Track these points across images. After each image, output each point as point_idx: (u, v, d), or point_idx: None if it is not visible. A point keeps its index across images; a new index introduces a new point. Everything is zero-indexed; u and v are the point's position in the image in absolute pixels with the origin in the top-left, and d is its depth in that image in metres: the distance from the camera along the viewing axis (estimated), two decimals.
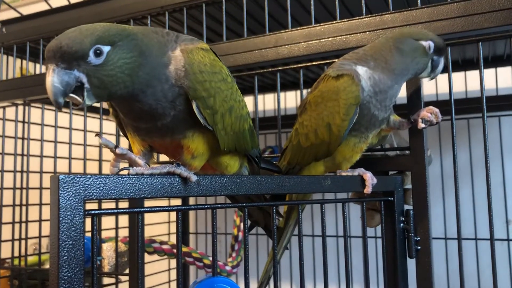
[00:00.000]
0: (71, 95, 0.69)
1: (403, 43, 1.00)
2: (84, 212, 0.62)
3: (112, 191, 0.66)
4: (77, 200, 0.61)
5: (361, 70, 1.00)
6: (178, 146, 0.83)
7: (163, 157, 1.28)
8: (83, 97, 0.69)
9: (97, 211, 0.65)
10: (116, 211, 0.71)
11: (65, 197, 0.60)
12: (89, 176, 0.63)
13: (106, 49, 0.68)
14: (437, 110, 1.03)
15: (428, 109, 1.04)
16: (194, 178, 0.74)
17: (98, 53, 0.68)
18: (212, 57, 0.83)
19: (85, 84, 0.68)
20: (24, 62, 1.73)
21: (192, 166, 0.83)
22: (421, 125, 1.04)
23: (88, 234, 1.47)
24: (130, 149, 0.86)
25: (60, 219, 0.60)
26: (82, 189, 0.62)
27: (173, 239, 1.98)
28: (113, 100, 0.75)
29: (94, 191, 0.64)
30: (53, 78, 0.66)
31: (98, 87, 0.69)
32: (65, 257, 0.60)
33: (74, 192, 0.61)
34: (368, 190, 0.99)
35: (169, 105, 0.77)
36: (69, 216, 0.60)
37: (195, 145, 0.83)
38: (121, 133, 0.97)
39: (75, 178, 0.62)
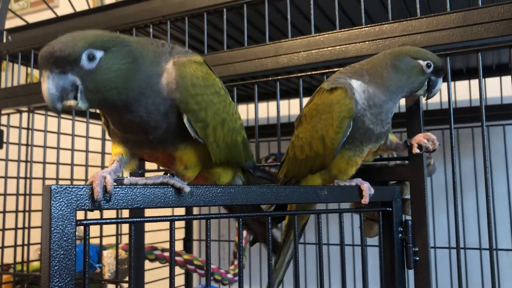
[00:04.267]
0: (66, 101, 0.68)
1: (400, 60, 1.00)
2: (76, 222, 0.63)
3: (105, 202, 0.66)
4: (69, 210, 0.62)
5: (356, 83, 1.00)
6: (170, 157, 0.83)
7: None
8: (77, 100, 0.68)
9: (89, 221, 0.66)
10: (108, 221, 0.71)
11: (57, 207, 0.61)
12: (81, 186, 0.64)
13: (99, 54, 0.68)
14: (434, 137, 1.02)
15: (425, 135, 1.03)
16: (187, 188, 0.74)
17: (91, 58, 0.67)
18: (205, 70, 0.83)
19: (79, 86, 0.68)
20: (29, 69, 1.74)
21: (185, 176, 0.83)
22: (416, 150, 1.03)
23: (93, 241, 1.49)
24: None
25: (52, 229, 0.60)
26: (74, 199, 0.63)
27: (176, 246, 1.98)
28: (106, 107, 0.74)
29: (86, 201, 0.64)
30: (48, 85, 0.66)
31: (91, 91, 0.69)
32: (56, 267, 0.60)
33: (66, 202, 0.62)
34: (365, 200, 0.98)
35: (161, 118, 0.77)
36: (60, 226, 0.61)
37: (187, 156, 0.83)
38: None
39: (67, 188, 0.62)
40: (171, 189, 0.73)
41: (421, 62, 1.00)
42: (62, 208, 0.61)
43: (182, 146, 0.82)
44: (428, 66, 1.00)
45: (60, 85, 0.66)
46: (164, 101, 0.76)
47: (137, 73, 0.72)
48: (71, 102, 0.68)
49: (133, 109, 0.74)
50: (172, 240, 0.73)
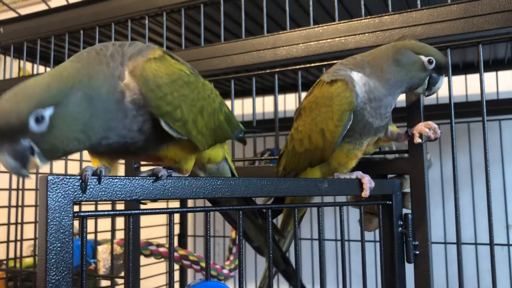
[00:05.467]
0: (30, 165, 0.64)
1: (402, 54, 0.98)
2: (73, 214, 0.61)
3: (103, 193, 0.64)
4: (66, 201, 0.60)
5: (356, 76, 0.98)
6: (155, 157, 0.81)
7: None
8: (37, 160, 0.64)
9: (86, 213, 0.64)
10: (106, 213, 0.69)
11: (54, 199, 0.59)
12: (78, 177, 0.62)
13: (48, 112, 0.62)
14: (435, 126, 1.01)
15: (426, 124, 1.02)
16: (164, 173, 0.70)
17: (39, 119, 0.61)
18: (167, 64, 0.76)
19: (35, 148, 0.63)
20: (22, 62, 1.72)
21: (182, 169, 0.81)
22: (417, 140, 1.02)
23: (88, 237, 1.47)
24: None
25: (49, 220, 0.58)
26: (72, 190, 0.61)
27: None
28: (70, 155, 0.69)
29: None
30: (5, 158, 0.62)
31: (50, 151, 0.64)
32: (53, 260, 0.58)
33: (63, 193, 0.60)
34: (365, 193, 0.97)
35: (137, 134, 0.73)
36: (57, 218, 0.59)
37: (172, 153, 0.80)
38: None
39: (64, 179, 0.60)
40: (170, 181, 0.71)
41: (423, 57, 0.98)
42: (59, 200, 0.60)
43: (164, 147, 0.79)
44: (430, 62, 0.98)
45: (17, 155, 0.62)
46: (134, 119, 0.72)
47: (96, 116, 0.67)
48: (35, 161, 0.63)
49: (103, 143, 0.70)
50: (171, 233, 0.71)
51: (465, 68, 1.92)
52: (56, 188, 0.60)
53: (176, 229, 2.29)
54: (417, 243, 1.07)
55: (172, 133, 0.75)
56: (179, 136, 0.76)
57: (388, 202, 1.05)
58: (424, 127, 1.01)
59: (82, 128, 0.65)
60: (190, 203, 2.27)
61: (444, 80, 1.03)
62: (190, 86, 0.79)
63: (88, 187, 0.63)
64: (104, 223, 1.71)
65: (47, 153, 0.64)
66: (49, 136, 0.63)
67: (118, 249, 1.58)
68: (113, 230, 1.62)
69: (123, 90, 0.71)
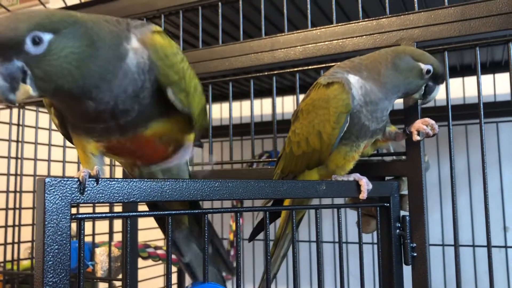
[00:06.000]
0: (19, 90, 0.61)
1: (401, 59, 0.98)
2: (71, 216, 0.61)
3: (100, 195, 0.64)
4: (63, 203, 0.60)
5: (353, 78, 0.99)
6: (141, 140, 0.80)
7: None
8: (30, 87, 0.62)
9: (84, 215, 0.64)
10: (104, 215, 0.69)
11: (51, 201, 0.59)
12: (76, 179, 0.62)
13: (47, 37, 0.61)
14: (433, 122, 1.01)
15: (424, 121, 1.02)
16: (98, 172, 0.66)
17: (37, 42, 0.60)
18: (168, 39, 0.80)
19: (28, 72, 0.61)
20: None
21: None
22: (416, 137, 1.02)
23: (85, 239, 1.46)
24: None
25: (46, 223, 0.58)
26: (69, 192, 0.61)
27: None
28: (61, 96, 0.68)
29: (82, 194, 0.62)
30: None
31: (42, 79, 0.62)
32: (50, 262, 0.58)
33: (61, 195, 0.60)
34: (363, 195, 0.97)
35: (131, 100, 0.73)
36: (55, 220, 0.59)
37: (160, 133, 0.81)
38: None
39: (62, 181, 0.60)
40: (167, 183, 0.71)
41: (421, 65, 0.98)
42: (57, 202, 0.59)
43: (153, 124, 0.79)
44: (427, 71, 0.98)
45: (6, 74, 0.60)
46: (133, 82, 0.72)
47: (94, 58, 0.66)
48: (26, 88, 0.62)
49: (94, 96, 0.69)
50: (169, 235, 0.71)
51: (462, 70, 1.92)
52: (53, 190, 0.59)
53: None
54: (414, 245, 1.07)
55: (177, 103, 0.77)
56: (182, 107, 0.78)
57: (385, 204, 1.05)
58: (422, 124, 1.01)
59: (78, 63, 0.65)
60: None
61: (440, 88, 1.04)
62: (186, 63, 0.83)
63: (86, 189, 0.63)
64: (102, 225, 1.71)
65: (38, 81, 0.63)
66: (44, 61, 0.62)
67: (115, 252, 1.58)
68: (110, 232, 1.61)
69: (127, 51, 0.72)
